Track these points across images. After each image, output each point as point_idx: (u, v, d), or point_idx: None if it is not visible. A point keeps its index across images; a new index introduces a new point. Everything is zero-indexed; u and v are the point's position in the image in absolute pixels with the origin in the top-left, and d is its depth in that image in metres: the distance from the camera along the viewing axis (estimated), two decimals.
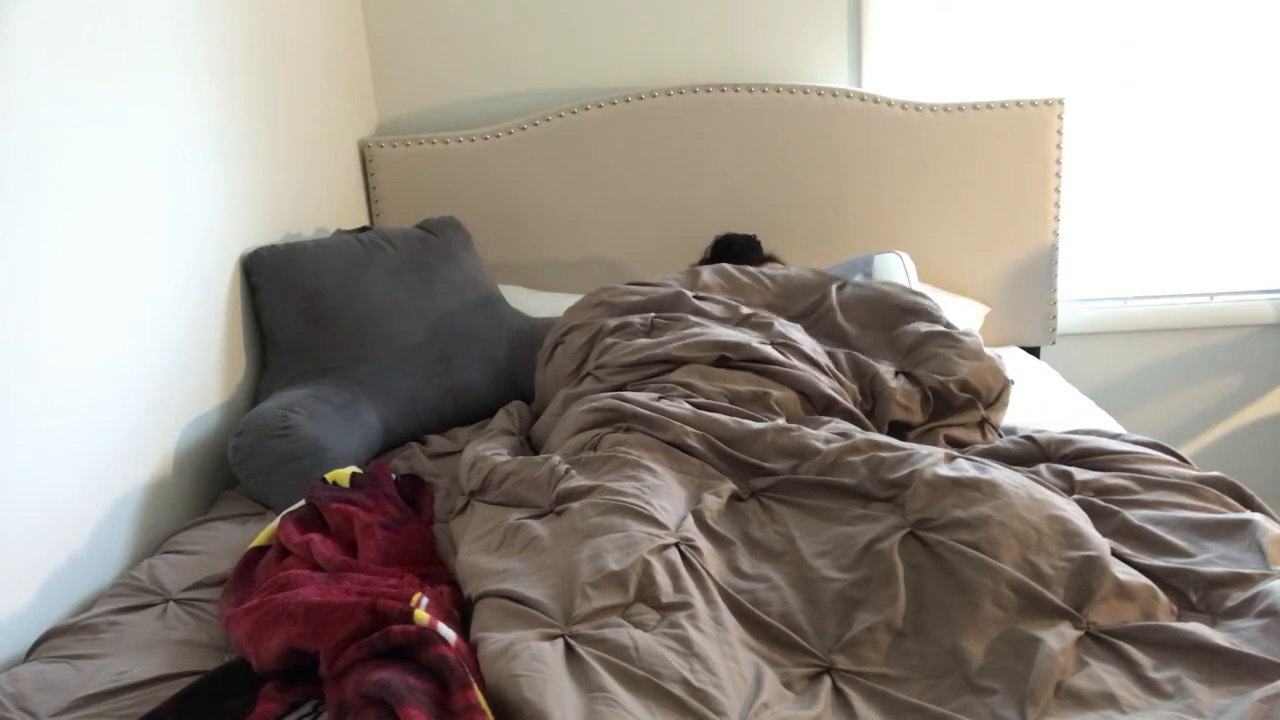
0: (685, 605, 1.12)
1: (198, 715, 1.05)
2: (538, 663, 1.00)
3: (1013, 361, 2.40)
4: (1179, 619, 1.14)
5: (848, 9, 2.51)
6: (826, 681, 1.09)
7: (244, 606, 1.17)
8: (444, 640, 1.03)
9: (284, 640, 1.07)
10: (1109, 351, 2.74)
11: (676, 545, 1.21)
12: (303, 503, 1.41)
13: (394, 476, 1.57)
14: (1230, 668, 1.03)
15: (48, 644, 1.25)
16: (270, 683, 1.08)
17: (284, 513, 1.40)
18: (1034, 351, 2.59)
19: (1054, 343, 2.61)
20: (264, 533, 1.39)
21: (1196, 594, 1.17)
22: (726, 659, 1.07)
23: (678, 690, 0.99)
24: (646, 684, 1.00)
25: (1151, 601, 1.15)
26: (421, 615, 1.06)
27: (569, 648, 1.05)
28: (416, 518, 1.45)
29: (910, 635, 1.14)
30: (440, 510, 1.56)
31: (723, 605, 1.16)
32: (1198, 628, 1.09)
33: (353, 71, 2.47)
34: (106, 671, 1.16)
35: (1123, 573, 1.16)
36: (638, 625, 1.09)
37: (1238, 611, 1.12)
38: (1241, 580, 1.15)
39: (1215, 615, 1.13)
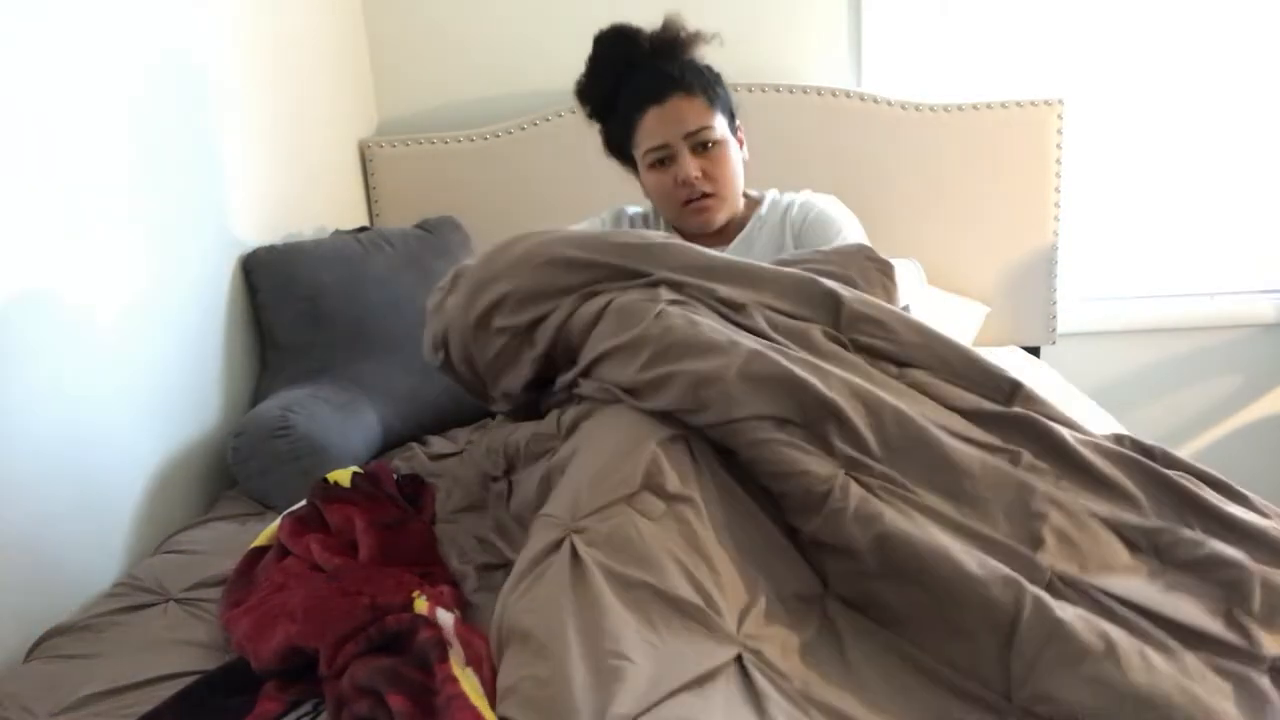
0: (689, 498, 1.10)
1: (198, 715, 1.05)
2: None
3: (1013, 362, 2.41)
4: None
5: (848, 9, 2.51)
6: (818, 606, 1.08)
7: (243, 606, 1.17)
8: (431, 625, 1.03)
9: (284, 639, 1.07)
10: (1109, 351, 2.74)
11: (685, 438, 1.17)
12: (303, 503, 1.42)
13: (394, 476, 1.57)
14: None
15: (48, 644, 1.25)
16: (270, 682, 1.08)
17: (284, 513, 1.40)
18: (1034, 351, 2.59)
19: (1054, 343, 2.61)
20: (264, 533, 1.39)
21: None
22: (728, 555, 1.05)
23: (678, 590, 0.98)
24: (645, 587, 0.99)
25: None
26: (421, 604, 1.07)
27: (573, 550, 1.03)
28: (417, 517, 1.45)
29: None
30: (441, 510, 1.56)
31: (724, 502, 1.12)
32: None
33: (353, 71, 2.47)
34: (106, 671, 1.16)
35: None
36: (643, 514, 1.07)
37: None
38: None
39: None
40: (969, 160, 2.47)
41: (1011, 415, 1.20)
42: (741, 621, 1.01)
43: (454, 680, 0.94)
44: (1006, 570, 1.01)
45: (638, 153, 1.77)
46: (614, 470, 1.11)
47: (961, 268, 2.51)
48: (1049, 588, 1.01)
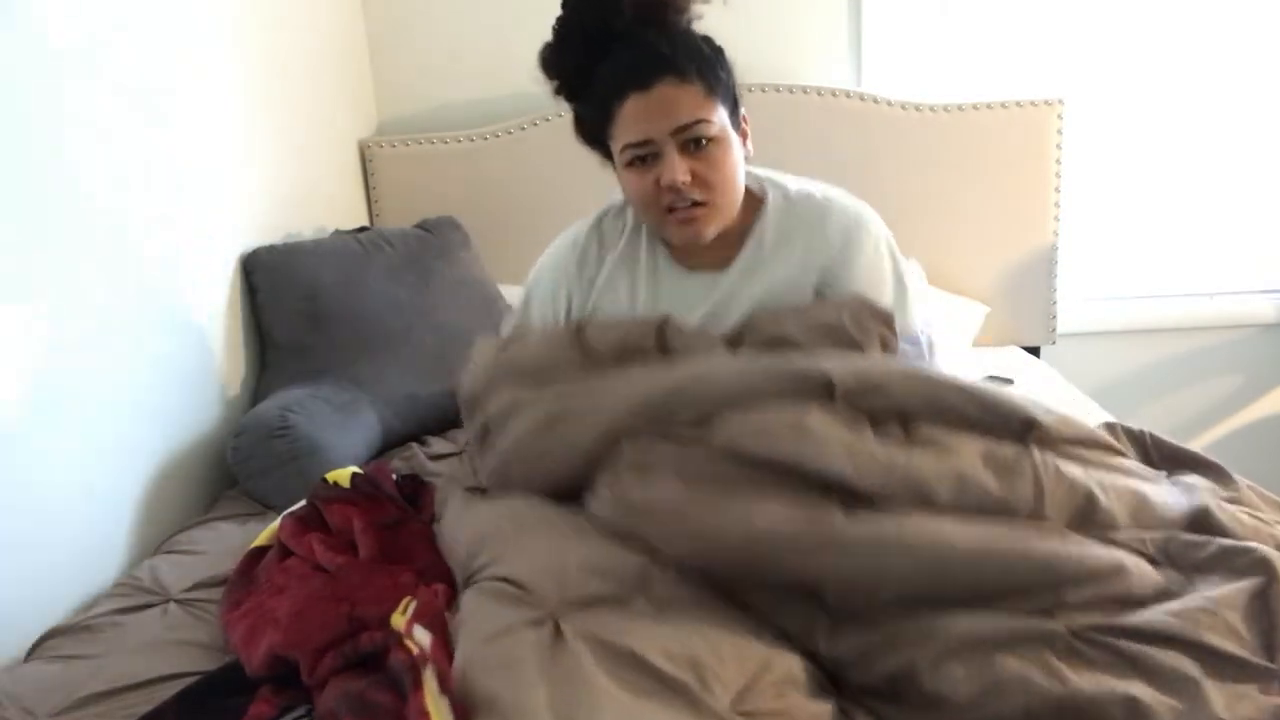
0: (685, 598, 1.07)
1: (198, 715, 1.05)
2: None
3: (1013, 362, 2.41)
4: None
5: (848, 9, 2.51)
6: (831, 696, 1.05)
7: (241, 610, 1.17)
8: (403, 646, 1.02)
9: (268, 647, 1.07)
10: (1109, 351, 2.74)
11: None
12: (303, 503, 1.42)
13: (394, 476, 1.57)
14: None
15: (48, 644, 1.25)
16: (265, 685, 1.08)
17: (285, 513, 1.40)
18: (1034, 351, 2.59)
19: (1054, 343, 2.61)
20: (264, 533, 1.39)
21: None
22: (728, 635, 1.02)
23: (664, 664, 0.95)
24: (629, 657, 0.95)
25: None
26: (397, 619, 1.06)
27: (556, 629, 0.99)
28: (416, 517, 1.45)
29: None
30: (440, 510, 1.56)
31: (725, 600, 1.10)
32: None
33: (352, 72, 2.47)
34: (106, 671, 1.16)
35: None
36: (636, 615, 1.04)
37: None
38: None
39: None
40: (969, 160, 2.47)
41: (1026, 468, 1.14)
42: (742, 698, 0.96)
43: (426, 715, 0.92)
44: (1016, 670, 0.97)
45: (615, 146, 1.40)
46: (605, 564, 1.07)
47: (961, 268, 2.51)
48: (1067, 650, 0.99)
